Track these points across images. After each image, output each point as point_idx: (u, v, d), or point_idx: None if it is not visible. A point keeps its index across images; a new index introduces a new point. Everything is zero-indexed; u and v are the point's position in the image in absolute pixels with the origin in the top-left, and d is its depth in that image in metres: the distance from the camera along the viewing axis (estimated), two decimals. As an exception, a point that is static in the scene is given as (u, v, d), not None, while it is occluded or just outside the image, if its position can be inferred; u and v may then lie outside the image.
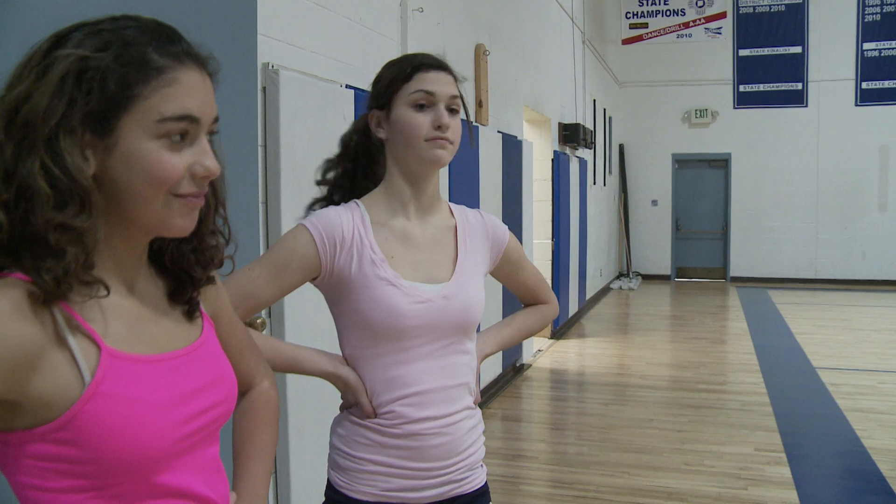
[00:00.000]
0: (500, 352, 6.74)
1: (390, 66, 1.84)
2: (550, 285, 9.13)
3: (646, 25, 15.44)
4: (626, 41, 15.44)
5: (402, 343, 1.75)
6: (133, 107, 1.07)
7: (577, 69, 10.95)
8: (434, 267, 1.82)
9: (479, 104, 6.31)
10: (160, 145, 1.09)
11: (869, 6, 14.81)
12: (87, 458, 1.05)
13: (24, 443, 1.05)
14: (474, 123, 6.16)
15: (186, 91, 1.10)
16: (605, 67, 13.91)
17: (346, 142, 1.92)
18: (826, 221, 15.22)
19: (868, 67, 14.87)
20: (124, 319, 1.13)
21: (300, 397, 3.52)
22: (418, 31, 5.06)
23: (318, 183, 1.93)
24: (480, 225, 1.93)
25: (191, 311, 1.25)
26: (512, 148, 7.15)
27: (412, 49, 4.97)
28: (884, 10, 14.77)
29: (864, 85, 14.82)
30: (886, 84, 14.54)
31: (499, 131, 6.82)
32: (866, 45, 14.89)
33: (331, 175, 1.92)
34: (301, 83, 3.57)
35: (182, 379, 1.17)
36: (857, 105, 14.87)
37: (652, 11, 15.34)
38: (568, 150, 10.17)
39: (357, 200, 1.83)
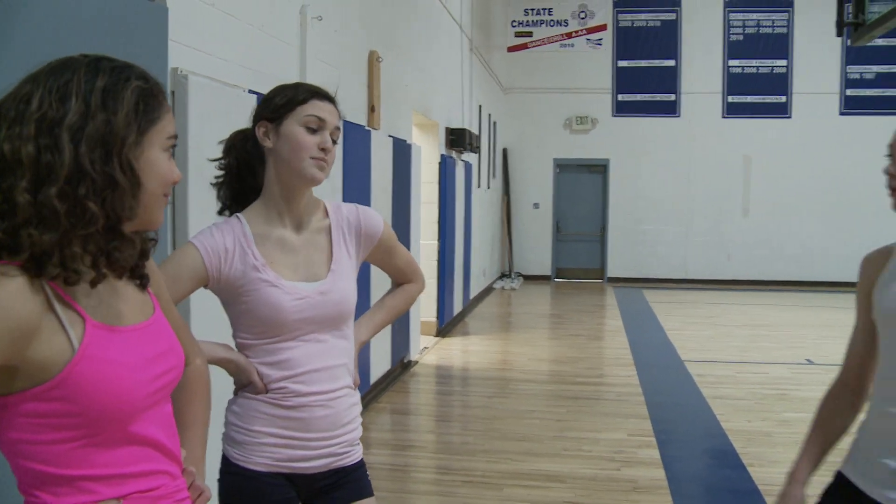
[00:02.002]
0: (390, 350, 7.00)
1: (286, 88, 2.09)
2: (437, 285, 9.45)
3: (530, 34, 15.99)
4: (512, 49, 15.96)
5: (288, 333, 2.04)
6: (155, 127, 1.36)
7: (465, 75, 11.31)
8: (311, 267, 2.09)
9: (372, 109, 6.55)
10: (167, 156, 1.39)
11: (733, 26, 15.81)
12: (76, 412, 1.29)
13: (20, 403, 1.28)
14: (366, 128, 6.40)
15: (172, 117, 1.41)
16: (491, 74, 14.35)
17: (228, 149, 2.16)
18: (696, 225, 16.11)
19: (733, 82, 15.87)
20: (100, 297, 1.36)
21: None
22: (317, 39, 5.27)
23: (220, 212, 2.19)
24: (354, 219, 2.19)
25: (143, 285, 1.49)
26: (402, 152, 7.43)
27: (311, 55, 5.18)
28: (746, 31, 15.80)
29: (730, 98, 15.81)
30: (749, 98, 15.57)
31: (389, 135, 7.08)
32: (731, 62, 15.90)
33: (223, 194, 2.17)
34: (208, 88, 3.74)
35: (147, 346, 1.41)
36: (723, 117, 15.84)
37: (536, 21, 15.90)
38: (454, 154, 10.51)
39: (239, 215, 2.09)
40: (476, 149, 11.66)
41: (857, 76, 15.62)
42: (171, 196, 3.54)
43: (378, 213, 2.28)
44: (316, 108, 2.03)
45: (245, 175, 2.14)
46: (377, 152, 6.52)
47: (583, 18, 15.96)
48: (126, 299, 1.42)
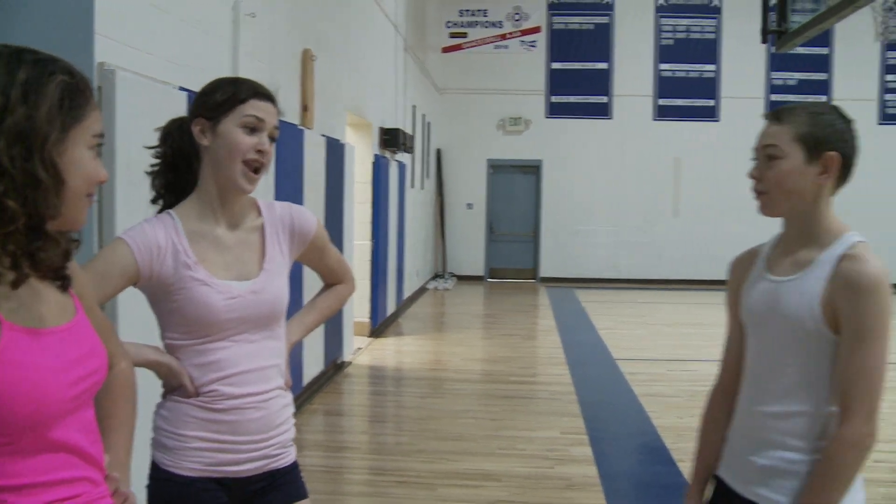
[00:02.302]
0: (323, 352, 6.94)
1: (226, 84, 2.04)
2: (370, 285, 9.42)
3: (465, 35, 16.03)
4: (446, 49, 15.99)
5: (218, 333, 2.00)
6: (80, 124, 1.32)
7: (399, 76, 11.29)
8: (243, 266, 2.06)
9: (305, 108, 6.49)
10: (92, 155, 1.34)
11: (664, 31, 16.11)
12: None
13: None
14: (299, 127, 6.33)
15: (100, 115, 1.36)
16: (426, 75, 14.35)
17: (164, 137, 2.11)
18: (627, 226, 16.35)
19: (664, 86, 16.16)
20: (19, 299, 1.31)
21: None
22: (249, 36, 5.20)
23: (153, 201, 2.13)
24: (287, 218, 2.17)
25: (64, 287, 1.44)
26: (335, 152, 7.37)
27: (243, 52, 5.11)
28: (676, 36, 16.12)
29: (661, 101, 16.10)
30: (678, 102, 15.87)
31: (323, 135, 7.02)
32: (662, 66, 16.19)
33: (157, 183, 2.12)
34: (137, 84, 3.65)
35: (68, 348, 1.37)
36: (654, 119, 16.11)
37: (471, 22, 15.96)
38: (388, 154, 10.48)
39: (171, 211, 2.05)
40: (410, 149, 11.65)
41: (781, 82, 16.07)
42: (98, 195, 3.48)
43: (311, 213, 2.26)
44: (255, 108, 2.00)
45: (180, 165, 2.09)
46: (310, 152, 6.46)
47: (517, 20, 16.07)
48: (47, 301, 1.38)
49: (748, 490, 1.99)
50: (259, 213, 2.14)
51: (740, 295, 2.09)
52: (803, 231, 1.97)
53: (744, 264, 2.14)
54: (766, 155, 1.96)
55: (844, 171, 1.95)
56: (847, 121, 1.96)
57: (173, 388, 2.02)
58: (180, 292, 1.97)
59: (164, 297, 1.99)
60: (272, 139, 2.05)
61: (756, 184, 1.98)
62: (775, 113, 1.98)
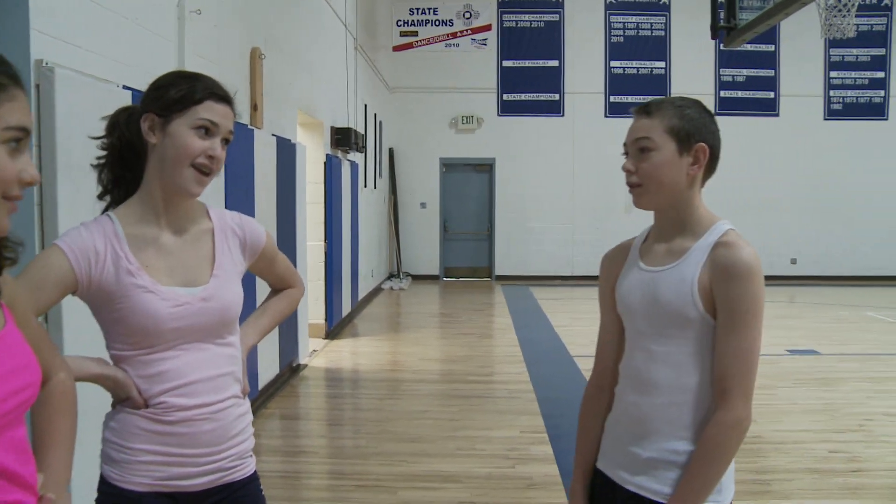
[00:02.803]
0: (278, 354, 6.82)
1: (182, 79, 1.93)
2: (324, 286, 9.30)
3: (416, 34, 16.00)
4: (397, 48, 15.92)
5: (166, 342, 1.89)
6: None
7: (350, 74, 11.18)
8: (191, 271, 1.96)
9: (255, 108, 6.37)
10: (3, 150, 1.19)
11: (614, 28, 16.21)
12: None
13: None
14: (249, 126, 6.21)
15: (24, 106, 1.22)
16: (377, 73, 14.24)
17: (111, 127, 1.99)
18: (581, 222, 16.42)
19: (615, 83, 16.26)
20: None
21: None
22: (195, 34, 5.07)
23: (100, 196, 2.02)
24: (238, 227, 2.09)
25: None
26: (286, 151, 7.26)
27: (189, 51, 4.98)
28: (626, 34, 16.23)
29: (612, 98, 16.19)
30: (629, 98, 15.96)
31: (273, 135, 6.90)
32: (613, 63, 16.29)
33: (104, 177, 2.00)
34: (78, 83, 3.52)
35: None
36: (605, 116, 16.19)
37: (422, 20, 15.92)
38: (340, 154, 10.37)
39: (111, 213, 1.93)
40: (362, 148, 11.54)
41: (730, 79, 16.26)
42: (38, 198, 3.35)
43: (259, 224, 2.18)
44: (211, 110, 1.89)
45: (129, 158, 1.97)
46: (261, 152, 6.34)
47: (468, 18, 16.06)
48: None
49: (632, 482, 1.99)
50: (209, 218, 2.05)
51: (615, 289, 2.10)
52: (676, 221, 2.00)
53: (615, 258, 2.17)
54: (638, 148, 1.99)
55: (712, 163, 1.99)
56: (710, 114, 2.01)
57: (122, 399, 1.92)
58: (123, 301, 1.86)
59: (106, 307, 1.88)
60: (226, 142, 1.95)
61: (630, 176, 2.02)
62: (644, 107, 2.02)
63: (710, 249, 1.92)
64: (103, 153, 2.00)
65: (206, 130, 1.90)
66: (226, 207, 5.48)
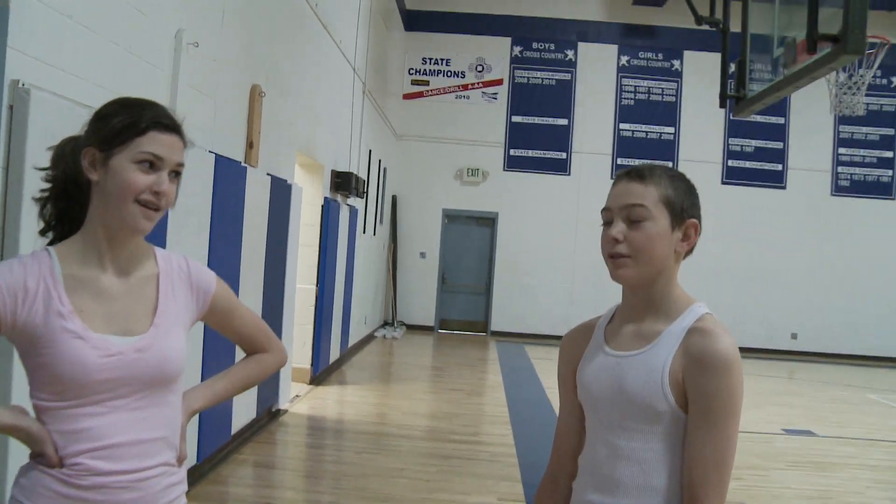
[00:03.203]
0: (256, 397, 6.60)
1: (124, 108, 1.77)
2: (312, 330, 9.08)
3: (427, 83, 16.04)
4: (407, 96, 15.95)
5: (92, 396, 1.70)
6: None
7: (355, 119, 11.11)
8: (129, 319, 1.78)
9: (250, 145, 6.24)
10: None
11: (625, 91, 16.23)
12: None
13: None
14: (242, 164, 6.08)
15: None
16: (384, 119, 14.20)
17: (55, 159, 1.84)
18: (581, 282, 16.22)
19: (623, 145, 16.23)
20: None
21: None
22: (192, 66, 4.96)
23: (41, 232, 1.86)
24: (185, 272, 1.91)
25: None
26: (280, 191, 7.11)
27: (183, 83, 4.86)
28: (637, 97, 16.24)
29: (619, 160, 16.14)
30: (637, 161, 15.84)
31: (268, 174, 6.77)
32: (622, 125, 16.27)
33: (47, 212, 1.84)
34: (56, 106, 3.39)
35: None
36: (612, 178, 16.07)
37: (434, 70, 15.96)
38: (339, 198, 10.24)
39: (49, 249, 1.77)
40: (363, 194, 11.42)
41: (738, 148, 16.22)
42: (1, 222, 3.19)
43: (209, 270, 1.99)
44: (155, 142, 1.73)
45: (73, 192, 1.81)
46: (253, 190, 6.20)
47: (480, 72, 16.09)
48: None
49: None
50: (155, 261, 1.88)
51: (577, 374, 1.89)
52: (650, 301, 1.80)
53: (577, 340, 1.95)
54: (628, 216, 1.78)
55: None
56: (694, 189, 1.84)
57: (37, 455, 1.73)
58: (50, 345, 1.68)
59: (31, 350, 1.70)
60: (175, 175, 1.79)
61: (615, 245, 1.79)
62: (636, 171, 1.82)
63: (683, 335, 1.73)
64: (46, 186, 1.84)
65: (151, 164, 1.73)
66: (210, 244, 5.34)
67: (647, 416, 1.72)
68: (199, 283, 1.92)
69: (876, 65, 8.30)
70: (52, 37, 3.47)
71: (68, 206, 1.83)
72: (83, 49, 3.74)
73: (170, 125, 1.77)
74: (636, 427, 1.73)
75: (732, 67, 7.75)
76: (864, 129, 16.10)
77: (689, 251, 1.83)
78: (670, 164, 16.27)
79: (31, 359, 1.71)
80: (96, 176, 1.74)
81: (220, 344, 1.79)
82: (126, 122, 1.73)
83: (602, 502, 1.76)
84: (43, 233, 1.86)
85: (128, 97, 1.84)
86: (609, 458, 1.77)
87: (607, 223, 1.82)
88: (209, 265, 5.26)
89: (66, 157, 1.82)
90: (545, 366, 12.52)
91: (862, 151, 16.25)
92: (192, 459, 5.30)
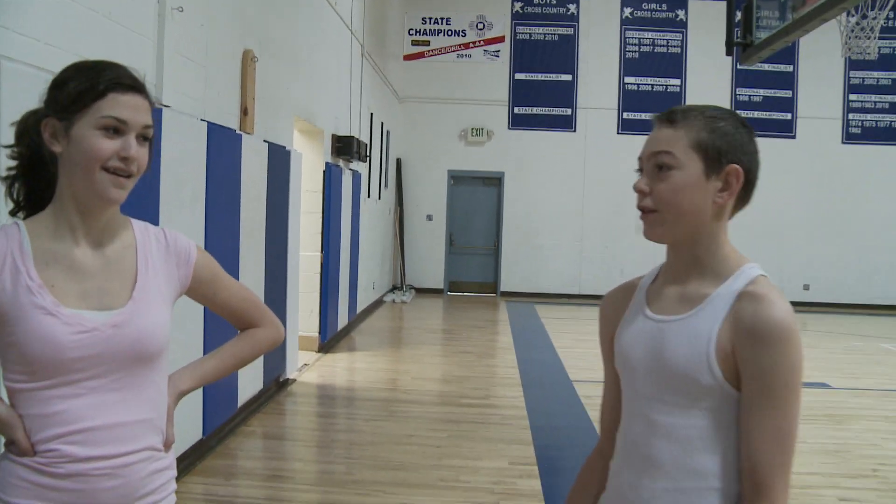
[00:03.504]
0: (262, 368, 6.52)
1: (80, 73, 1.65)
2: (319, 298, 8.98)
3: (428, 43, 15.78)
4: (408, 57, 15.70)
5: (65, 376, 1.60)
6: None
7: (355, 82, 10.91)
8: (106, 294, 1.67)
9: (245, 112, 6.10)
10: None
11: (629, 44, 15.93)
12: None
13: None
14: (237, 131, 5.94)
15: None
16: (385, 82, 13.98)
17: (19, 135, 1.73)
18: (590, 240, 16.09)
19: (628, 99, 15.96)
20: None
21: None
22: (178, 32, 4.80)
23: (11, 212, 1.75)
24: (163, 243, 1.79)
25: None
26: (279, 158, 6.97)
27: (170, 50, 4.71)
28: (641, 49, 15.94)
29: (625, 115, 15.89)
30: (643, 115, 15.66)
31: (265, 141, 6.62)
32: (627, 79, 16.00)
33: (15, 191, 1.73)
34: (31, 78, 3.24)
35: None
36: (618, 133, 15.89)
37: (434, 30, 15.70)
38: (341, 163, 10.09)
39: (19, 222, 1.67)
40: (365, 158, 11.26)
41: (746, 98, 15.93)
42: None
43: (188, 238, 1.86)
44: (117, 105, 1.60)
45: (39, 168, 1.70)
46: (249, 158, 6.06)
47: (480, 29, 15.82)
48: None
49: None
50: (133, 233, 1.76)
51: (614, 338, 1.71)
52: (695, 260, 1.61)
53: (618, 301, 1.76)
54: (656, 164, 1.60)
55: (746, 190, 1.61)
56: (749, 129, 1.62)
57: (10, 441, 1.63)
58: (18, 323, 1.58)
59: (0, 329, 1.60)
60: (145, 139, 1.66)
61: (643, 199, 1.63)
62: (668, 115, 1.62)
63: (733, 299, 1.54)
64: (12, 164, 1.72)
65: (115, 129, 1.61)
66: (206, 214, 5.21)
67: (689, 389, 1.53)
68: (178, 252, 1.81)
69: (890, 5, 8.03)
70: (26, 6, 3.34)
71: (37, 183, 1.72)
72: (61, 19, 3.60)
73: (132, 85, 1.65)
74: (676, 401, 1.55)
75: (738, 14, 7.53)
76: (876, 74, 15.77)
77: (741, 203, 1.63)
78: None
79: (1, 338, 1.61)
80: (59, 147, 1.63)
81: (223, 321, 1.71)
82: (83, 86, 1.61)
83: (639, 483, 1.59)
84: (13, 213, 1.75)
85: (84, 60, 1.71)
86: (646, 434, 1.59)
87: (640, 173, 1.64)
88: (206, 236, 5.15)
89: (30, 131, 1.71)
90: (556, 325, 12.43)
91: (873, 97, 15.94)
92: (197, 433, 5.23)
